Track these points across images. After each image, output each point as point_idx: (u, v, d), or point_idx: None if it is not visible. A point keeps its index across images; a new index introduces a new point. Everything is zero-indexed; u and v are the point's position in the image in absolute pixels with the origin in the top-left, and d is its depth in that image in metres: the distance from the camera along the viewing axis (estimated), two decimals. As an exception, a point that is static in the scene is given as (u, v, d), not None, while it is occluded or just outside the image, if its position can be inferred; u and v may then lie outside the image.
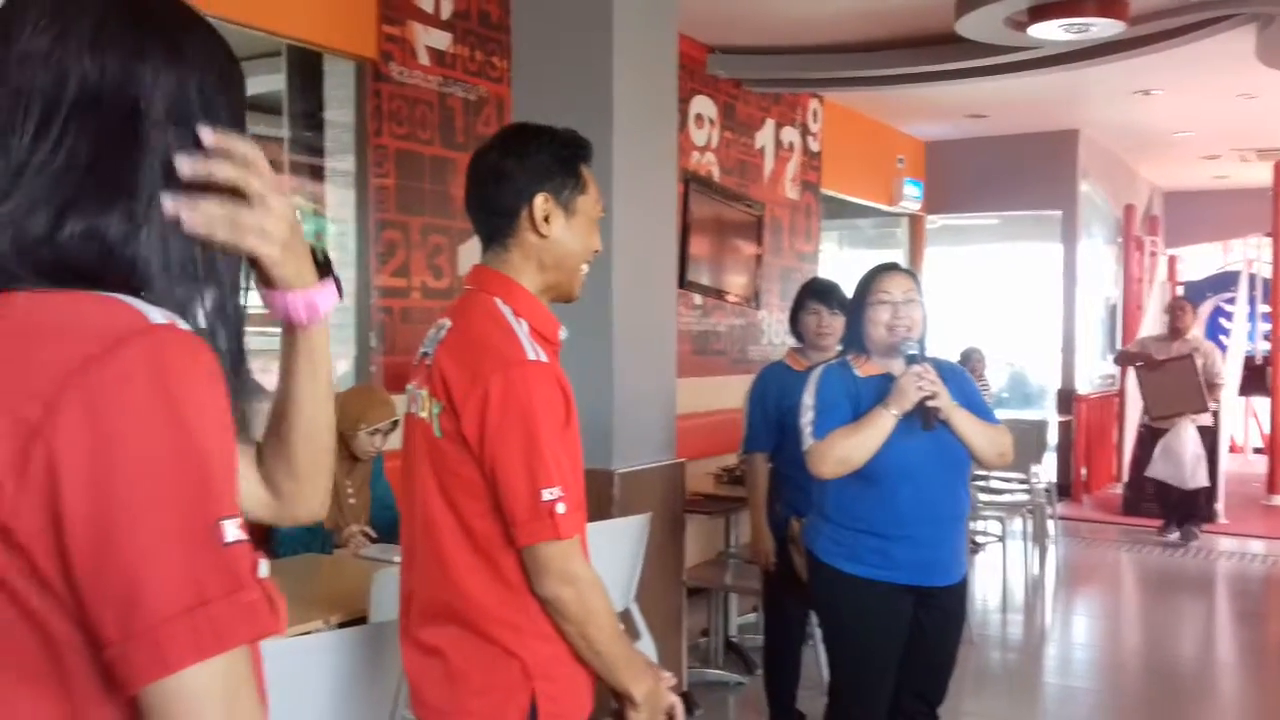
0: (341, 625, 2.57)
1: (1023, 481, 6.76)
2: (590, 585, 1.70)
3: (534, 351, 1.72)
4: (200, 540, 0.77)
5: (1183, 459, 7.22)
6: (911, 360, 2.71)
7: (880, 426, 2.67)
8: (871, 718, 2.82)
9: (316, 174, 4.85)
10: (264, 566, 0.82)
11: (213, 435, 0.80)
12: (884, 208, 9.29)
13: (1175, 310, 7.77)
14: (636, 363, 3.84)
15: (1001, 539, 6.96)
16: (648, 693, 1.76)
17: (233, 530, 0.79)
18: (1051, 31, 5.35)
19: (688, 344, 6.64)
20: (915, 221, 9.89)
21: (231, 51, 0.96)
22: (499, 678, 1.70)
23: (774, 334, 7.36)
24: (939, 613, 2.80)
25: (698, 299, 6.71)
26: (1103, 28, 5.32)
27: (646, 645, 3.39)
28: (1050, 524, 7.05)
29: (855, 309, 2.86)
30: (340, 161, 4.74)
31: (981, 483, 7.05)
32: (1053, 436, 8.45)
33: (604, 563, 3.22)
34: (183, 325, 0.84)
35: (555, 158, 1.80)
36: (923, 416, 2.66)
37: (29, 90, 0.84)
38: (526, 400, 1.66)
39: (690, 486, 4.57)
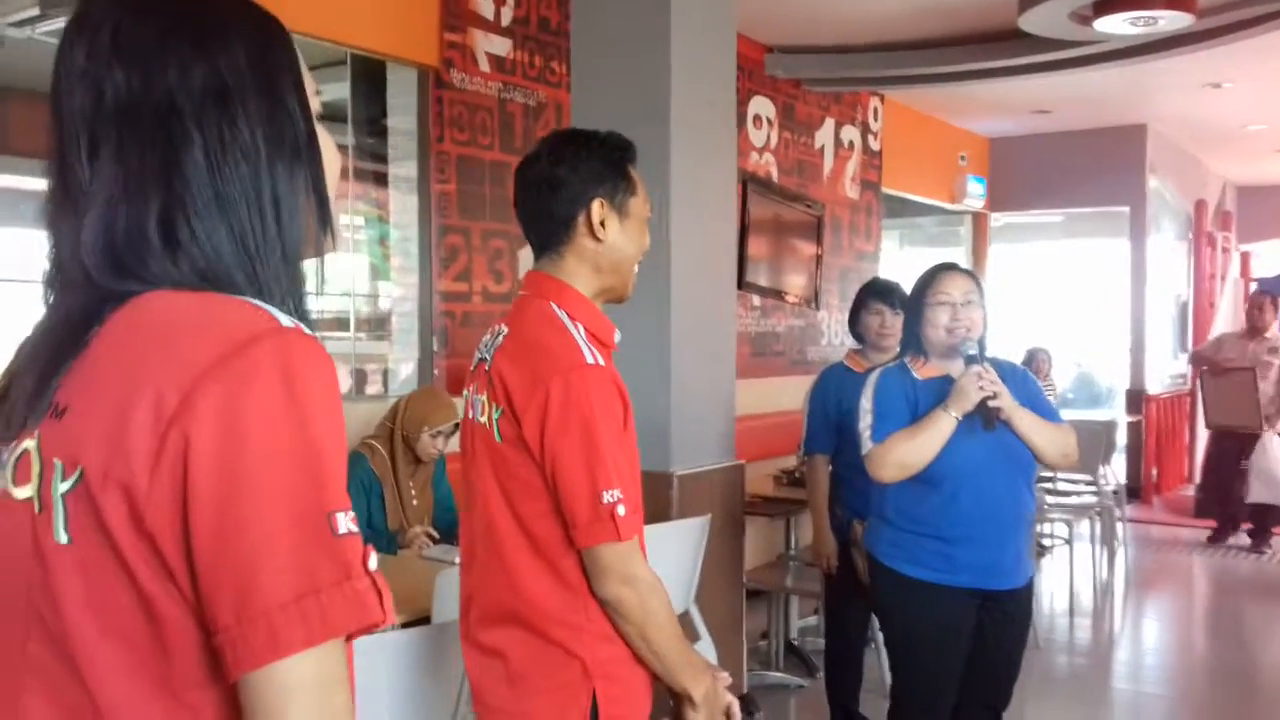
0: (405, 625, 2.62)
1: (1090, 483, 6.65)
2: (650, 586, 1.71)
3: (591, 355, 1.73)
4: (314, 531, 0.80)
5: (1276, 476, 6.96)
6: (971, 360, 2.69)
7: (940, 428, 2.65)
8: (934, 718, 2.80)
9: (380, 180, 4.94)
10: (374, 559, 0.85)
11: (329, 433, 0.83)
12: (946, 206, 9.19)
13: (1254, 307, 7.34)
14: (695, 364, 3.84)
15: (1069, 542, 6.86)
16: (706, 693, 1.77)
17: (345, 522, 0.82)
18: (1117, 25, 5.25)
19: (746, 345, 6.63)
20: (978, 219, 9.76)
21: (267, 16, 0.95)
22: (560, 678, 1.72)
23: (833, 335, 7.32)
24: (1003, 617, 2.76)
25: (756, 300, 6.69)
26: (1170, 20, 5.21)
27: (706, 647, 3.39)
28: (1119, 526, 6.92)
29: (913, 310, 2.84)
30: (403, 168, 4.82)
31: (1049, 485, 6.95)
32: (1122, 437, 8.29)
33: (664, 565, 3.23)
34: (307, 330, 0.87)
35: (606, 162, 1.82)
36: (984, 416, 2.64)
37: (75, 110, 0.87)
38: (586, 403, 1.68)
39: (750, 489, 4.56)
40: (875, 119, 7.91)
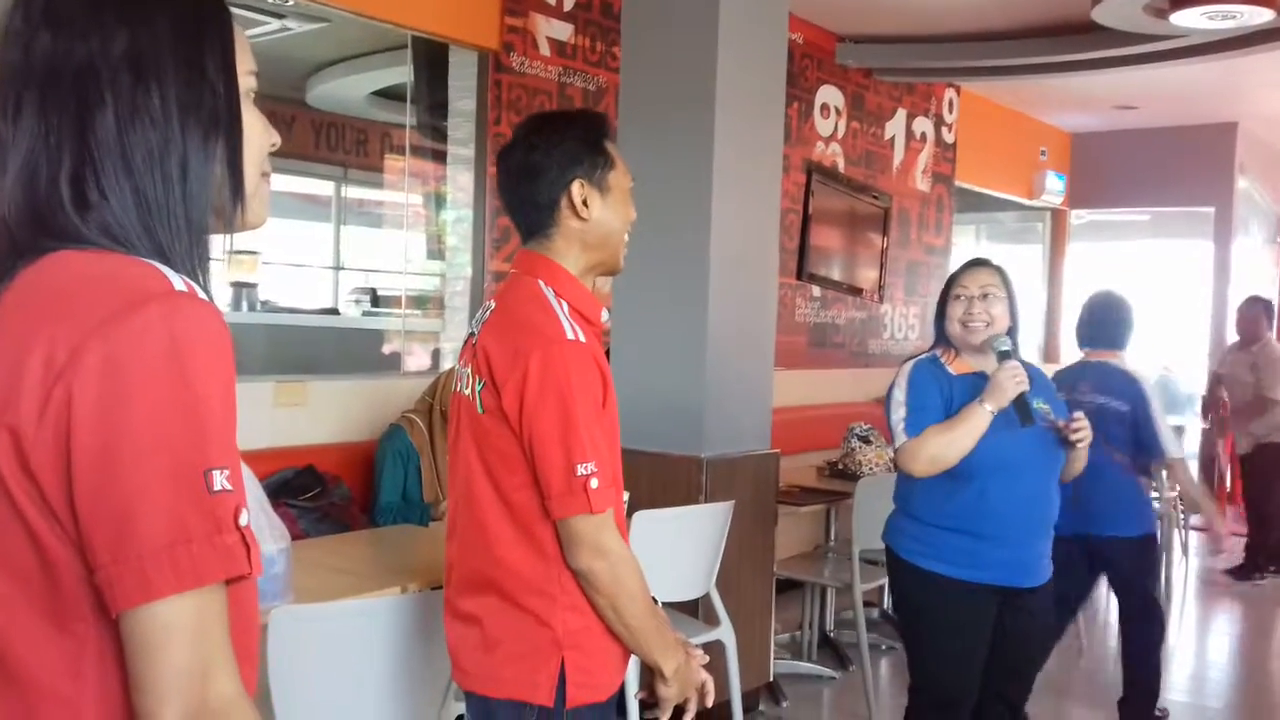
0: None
1: (1155, 489, 6.48)
2: (622, 559, 1.75)
3: (573, 331, 1.77)
4: (189, 485, 0.86)
5: None
6: (1004, 356, 2.67)
7: (976, 423, 2.62)
8: (952, 714, 2.79)
9: (439, 160, 5.03)
10: (244, 515, 0.90)
11: (212, 394, 0.89)
12: (1023, 201, 9.01)
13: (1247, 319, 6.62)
14: (732, 351, 3.85)
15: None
16: (678, 668, 1.80)
17: (220, 480, 0.88)
18: (1194, 20, 5.10)
19: (804, 336, 6.61)
20: (1058, 216, 9.55)
21: None
22: (530, 646, 1.76)
23: (896, 328, 7.25)
24: (1024, 614, 2.75)
25: (816, 291, 6.66)
26: (1250, 15, 5.03)
27: (726, 632, 3.42)
28: (1180, 534, 6.73)
29: (939, 305, 2.84)
30: (462, 148, 4.91)
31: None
32: (1194, 445, 8.05)
33: (684, 547, 3.28)
34: (201, 295, 0.92)
35: (581, 141, 1.85)
36: (1020, 412, 2.61)
37: (6, 73, 0.93)
38: (564, 377, 1.72)
39: (791, 479, 4.56)
40: (950, 110, 7.79)
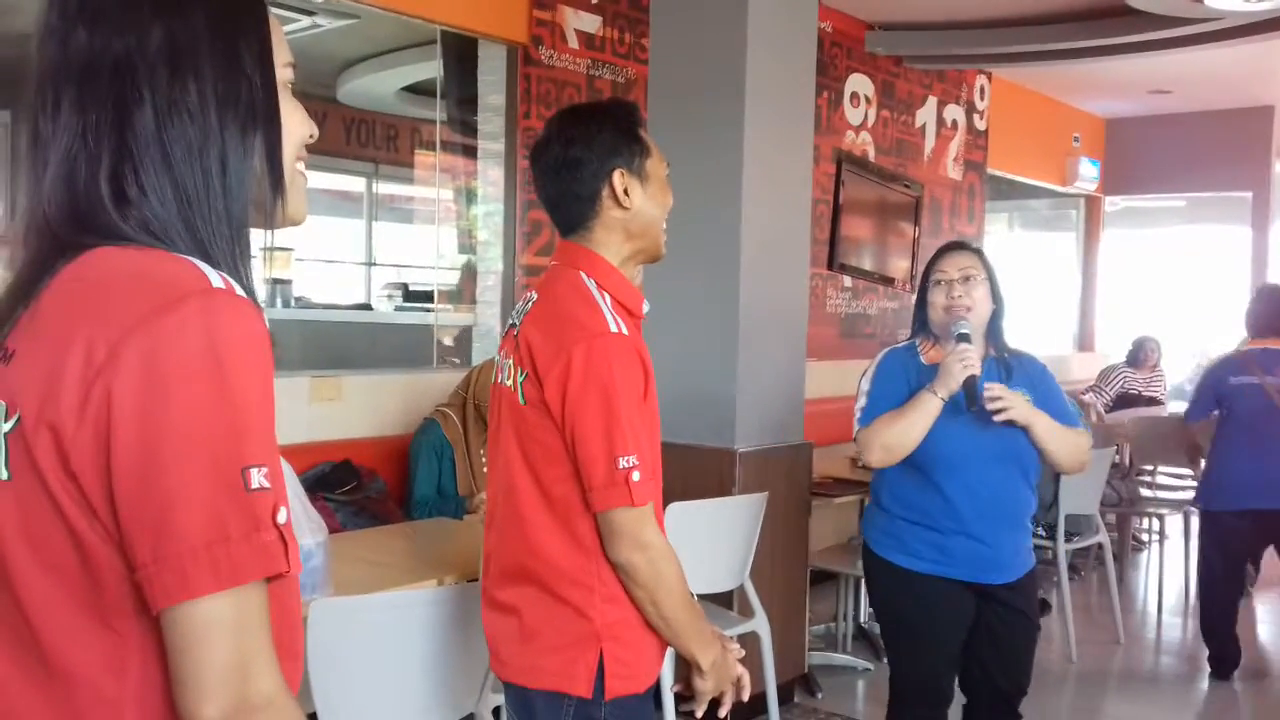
0: (456, 586, 2.71)
1: (1192, 477, 6.42)
2: (661, 553, 1.75)
3: (616, 324, 1.77)
4: (228, 483, 0.86)
5: None
6: (962, 339, 2.58)
7: (925, 410, 2.56)
8: (935, 714, 2.74)
9: (470, 154, 5.05)
10: (283, 513, 0.91)
11: (250, 391, 0.89)
12: (1057, 188, 8.93)
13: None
14: (763, 343, 3.84)
15: (1161, 536, 6.65)
16: (714, 661, 1.80)
17: (258, 478, 0.88)
18: (1230, 1, 5.03)
19: (835, 326, 6.58)
20: (1091, 203, 9.45)
21: None
22: (570, 637, 1.77)
23: (929, 318, 7.19)
24: (1006, 609, 2.68)
25: (847, 281, 6.63)
26: (1289, -5, 4.96)
27: (760, 624, 3.42)
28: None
29: (919, 292, 2.77)
30: (492, 143, 4.92)
31: (1148, 478, 6.74)
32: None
33: (718, 539, 3.28)
34: (239, 291, 0.92)
35: (617, 131, 1.85)
36: (967, 395, 2.52)
37: (45, 69, 0.94)
38: (607, 370, 1.72)
39: (824, 470, 4.54)
40: (982, 97, 7.72)
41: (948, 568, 2.63)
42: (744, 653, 1.92)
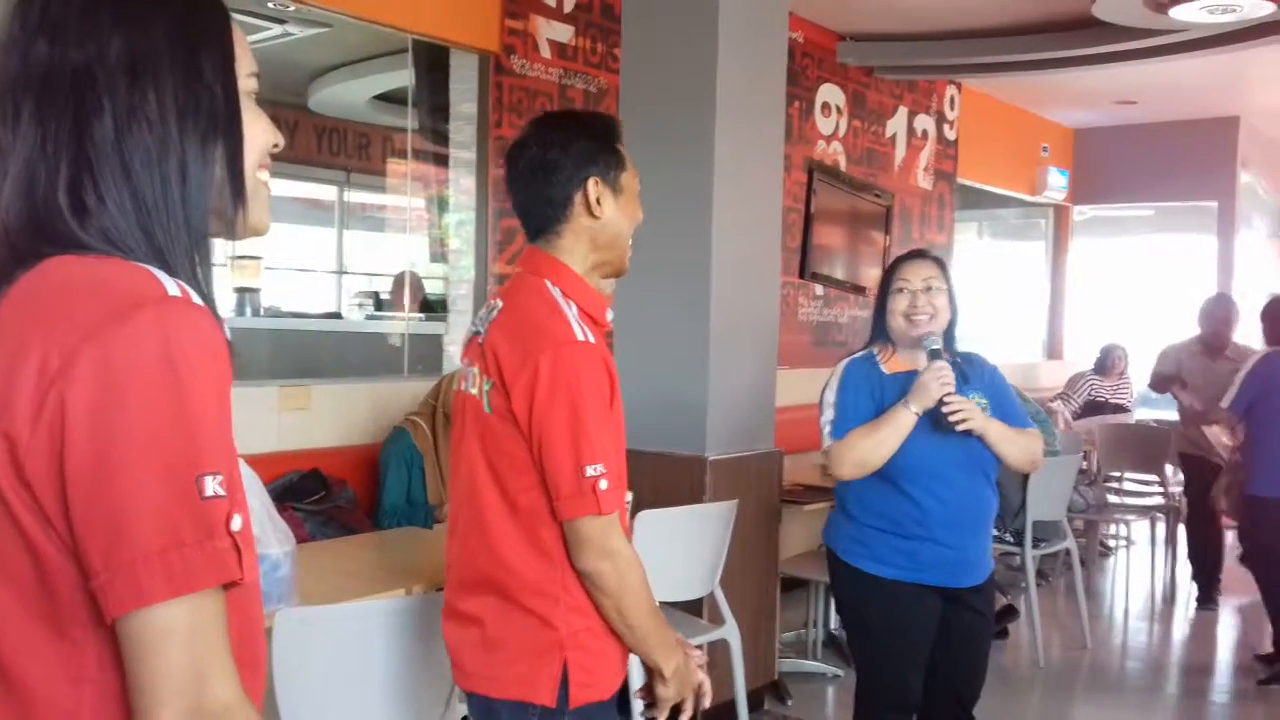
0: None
1: (1158, 483, 6.50)
2: (628, 561, 1.76)
3: (582, 332, 1.78)
4: (181, 491, 0.87)
5: None
6: (934, 356, 2.61)
7: (900, 425, 2.58)
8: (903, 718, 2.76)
9: (442, 163, 5.05)
10: (237, 521, 0.91)
11: (205, 400, 0.89)
12: (1026, 197, 9.01)
13: (1223, 322, 5.73)
14: (734, 351, 3.86)
15: (1129, 542, 6.72)
16: (677, 668, 1.81)
17: (212, 485, 0.88)
18: (1194, 14, 5.10)
19: (807, 334, 6.61)
20: (1060, 212, 9.55)
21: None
22: (534, 646, 1.77)
23: (900, 326, 7.24)
24: (968, 613, 2.71)
25: (819, 290, 6.66)
26: (1252, 8, 5.04)
27: (730, 631, 3.43)
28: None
29: (879, 299, 2.79)
30: (464, 151, 4.92)
31: (1115, 484, 6.81)
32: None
33: (689, 546, 3.29)
34: (196, 299, 0.92)
35: (595, 140, 1.86)
36: (934, 418, 2.57)
37: (5, 80, 0.94)
38: (574, 379, 1.73)
39: (796, 477, 4.56)
40: (952, 108, 7.79)
41: (917, 573, 2.65)
42: (706, 659, 1.93)
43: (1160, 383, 5.92)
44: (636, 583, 1.77)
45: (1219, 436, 5.44)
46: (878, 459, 2.60)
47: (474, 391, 1.84)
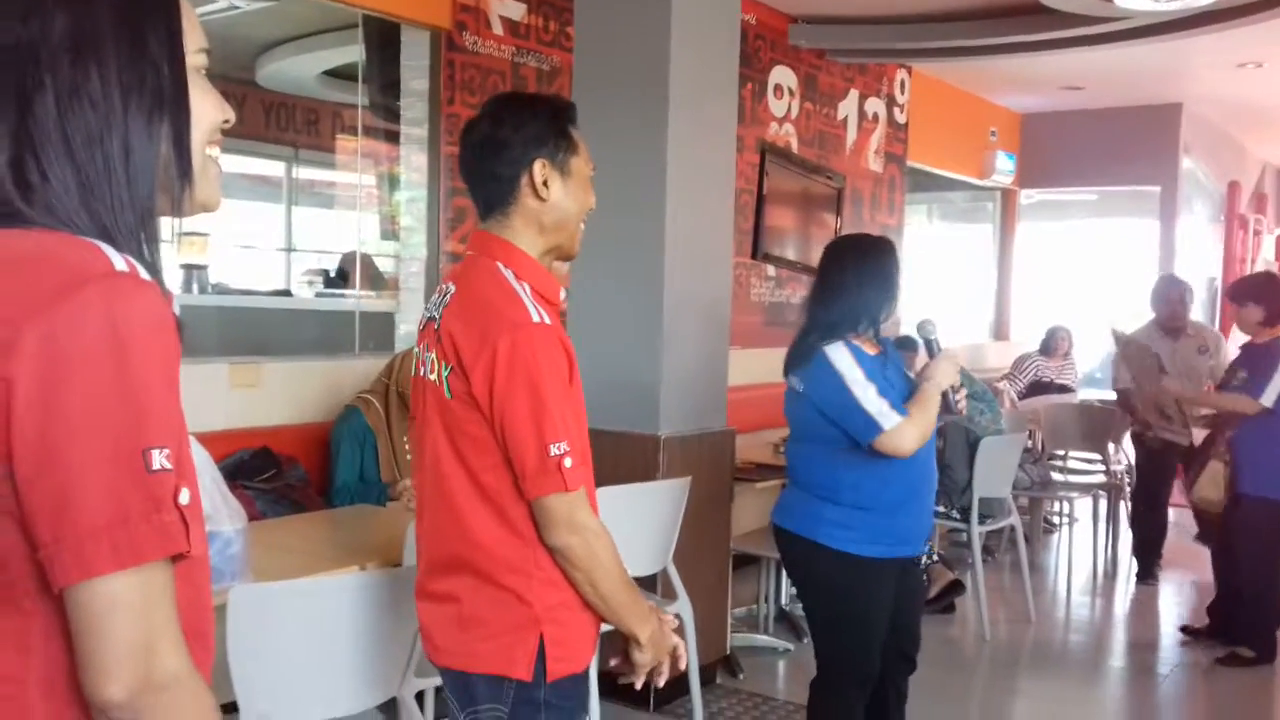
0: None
1: (1101, 462, 6.64)
2: (596, 534, 1.79)
3: (538, 314, 1.79)
4: (128, 464, 0.87)
5: None
6: (930, 345, 2.84)
7: (936, 403, 2.77)
8: (867, 691, 2.86)
9: (393, 140, 5.00)
10: (185, 495, 0.92)
11: (154, 373, 0.90)
12: (974, 181, 9.12)
13: (1177, 301, 5.72)
14: (687, 331, 3.88)
15: (1072, 519, 6.85)
16: (652, 634, 1.86)
17: (159, 459, 0.89)
18: (1139, 2, 5.19)
19: (760, 315, 6.66)
20: (1008, 195, 9.68)
21: None
22: (510, 622, 1.79)
23: (850, 307, 7.30)
24: (912, 577, 2.94)
25: (771, 270, 6.70)
26: (1194, -3, 5.13)
27: (684, 606, 3.46)
28: (1130, 506, 6.89)
29: (887, 284, 2.84)
30: (415, 128, 4.88)
31: (1059, 463, 6.94)
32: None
33: (642, 523, 3.31)
34: (144, 275, 0.92)
35: (547, 123, 1.87)
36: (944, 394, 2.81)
37: None
38: (533, 360, 1.74)
39: (748, 455, 4.61)
40: (902, 91, 7.85)
41: (899, 548, 2.80)
42: (678, 623, 1.98)
43: (1124, 401, 5.75)
44: (607, 555, 1.80)
45: (1196, 411, 5.18)
46: (929, 434, 2.77)
47: (433, 377, 1.85)
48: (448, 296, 1.87)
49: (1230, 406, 4.55)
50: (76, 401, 0.86)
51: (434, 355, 1.84)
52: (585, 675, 1.88)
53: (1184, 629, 4.98)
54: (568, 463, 1.74)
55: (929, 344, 2.87)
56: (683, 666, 1.94)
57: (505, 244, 1.87)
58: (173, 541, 0.89)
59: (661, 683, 1.91)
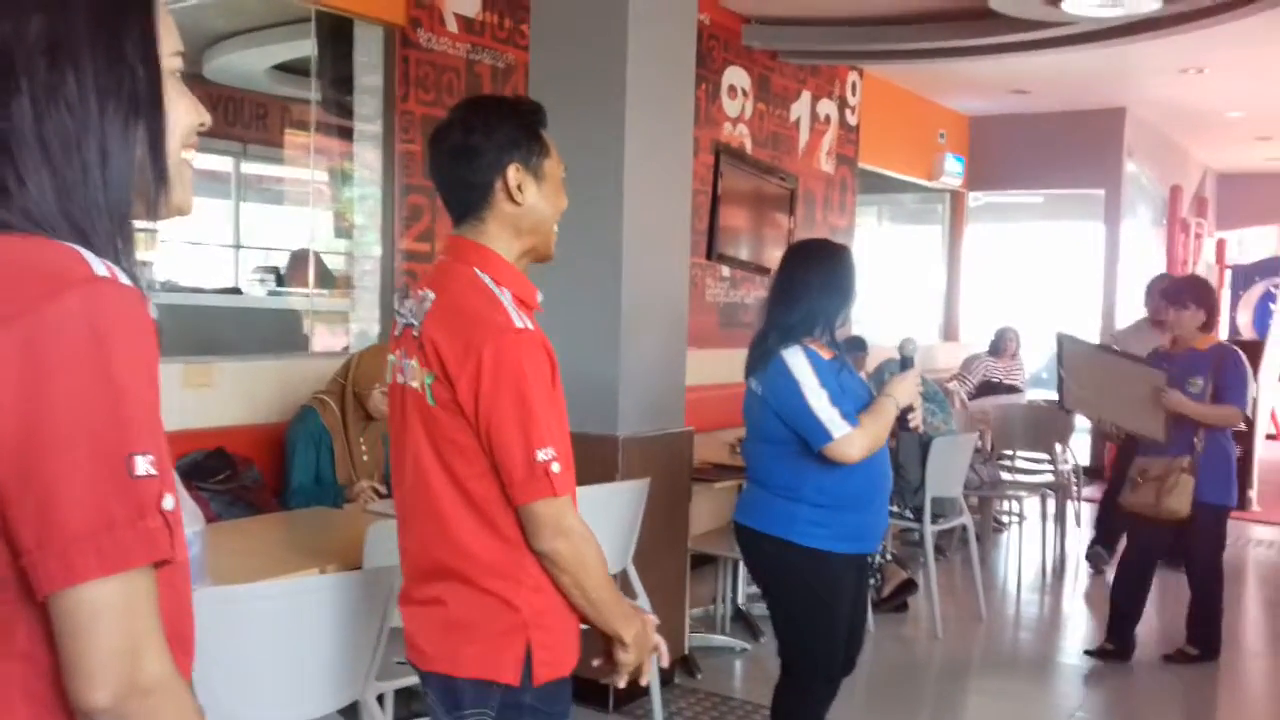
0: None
1: (1049, 462, 6.74)
2: (583, 538, 1.79)
3: (521, 320, 1.79)
4: (111, 470, 0.87)
5: None
6: (908, 361, 2.95)
7: (890, 416, 2.83)
8: (834, 689, 2.92)
9: (345, 136, 4.94)
10: (169, 500, 0.91)
11: (136, 379, 0.89)
12: (924, 183, 9.23)
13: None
14: (645, 332, 3.88)
15: (1021, 518, 6.95)
16: (636, 634, 1.86)
17: (143, 465, 0.88)
18: (1085, 7, 5.28)
19: (714, 315, 6.68)
20: (956, 197, 9.80)
21: None
22: (497, 628, 1.79)
23: (803, 307, 7.36)
24: (862, 575, 3.04)
25: (725, 271, 6.73)
26: (1137, 3, 5.24)
27: (642, 607, 3.45)
28: (1077, 505, 7.02)
29: (845, 293, 2.89)
30: (368, 125, 4.83)
31: (1008, 462, 7.04)
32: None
33: (602, 525, 3.29)
34: (124, 280, 0.91)
35: (519, 127, 1.86)
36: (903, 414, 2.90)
37: None
38: (517, 367, 1.74)
39: (705, 456, 4.62)
40: (853, 93, 7.92)
41: (864, 544, 2.89)
42: (660, 621, 1.98)
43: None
44: (593, 559, 1.81)
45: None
46: (879, 445, 2.81)
47: (414, 384, 1.83)
48: (427, 303, 1.85)
49: (1222, 421, 4.50)
50: (59, 407, 0.85)
51: (415, 362, 1.83)
52: (569, 679, 1.89)
53: (1090, 652, 4.80)
54: (555, 468, 1.74)
55: (905, 361, 2.97)
56: (665, 663, 1.97)
57: (481, 249, 1.87)
58: (157, 547, 0.89)
59: (645, 681, 1.93)
